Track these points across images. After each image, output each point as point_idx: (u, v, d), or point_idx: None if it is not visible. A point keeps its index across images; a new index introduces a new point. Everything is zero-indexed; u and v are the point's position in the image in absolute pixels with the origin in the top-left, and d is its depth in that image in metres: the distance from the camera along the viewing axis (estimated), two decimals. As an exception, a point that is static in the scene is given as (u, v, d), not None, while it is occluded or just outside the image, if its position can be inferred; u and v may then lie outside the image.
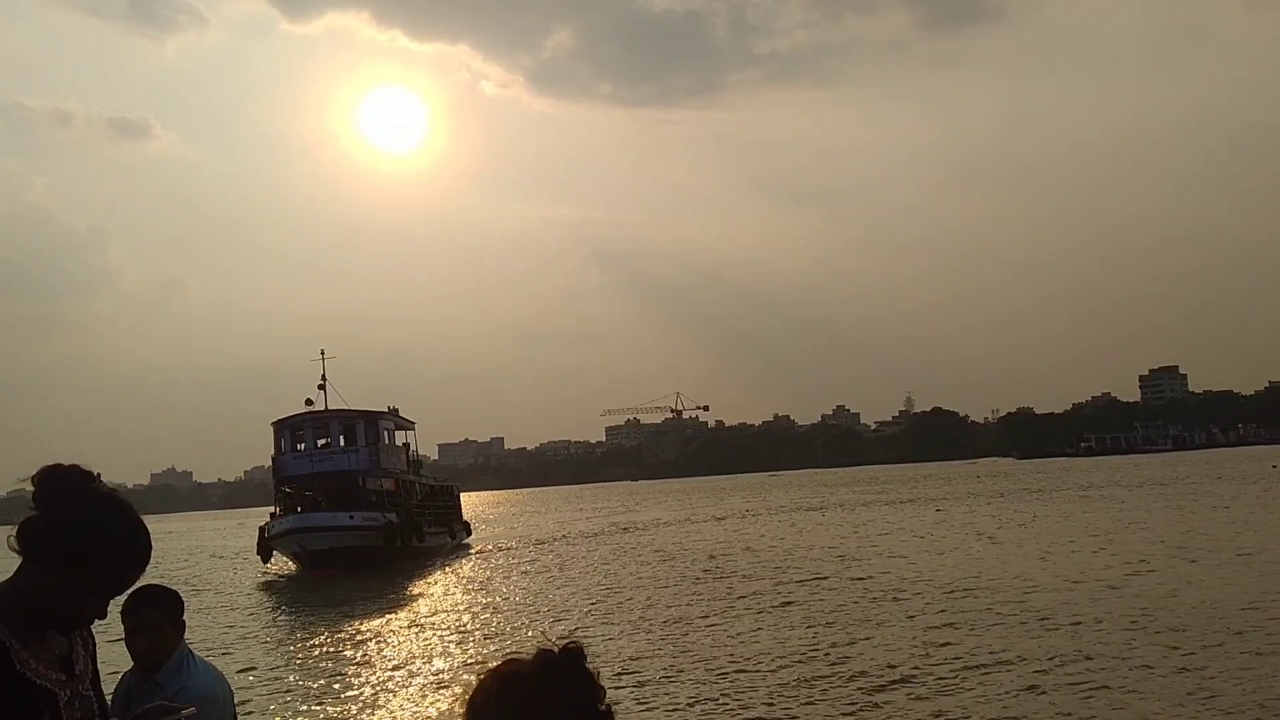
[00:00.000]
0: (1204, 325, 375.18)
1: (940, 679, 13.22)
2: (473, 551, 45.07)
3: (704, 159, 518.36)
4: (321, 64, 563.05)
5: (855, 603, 20.65)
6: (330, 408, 41.53)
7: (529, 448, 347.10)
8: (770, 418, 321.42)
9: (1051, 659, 13.79)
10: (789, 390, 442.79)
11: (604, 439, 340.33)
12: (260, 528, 40.46)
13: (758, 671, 14.62)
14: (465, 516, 54.78)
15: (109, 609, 2.47)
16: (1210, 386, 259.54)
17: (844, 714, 12.05)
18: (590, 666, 1.94)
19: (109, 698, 2.76)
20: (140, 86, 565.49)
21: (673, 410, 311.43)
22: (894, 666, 14.06)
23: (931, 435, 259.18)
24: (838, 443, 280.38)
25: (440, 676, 15.90)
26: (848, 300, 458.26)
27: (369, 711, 13.81)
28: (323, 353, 42.05)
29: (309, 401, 41.11)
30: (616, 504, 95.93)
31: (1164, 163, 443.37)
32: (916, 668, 13.96)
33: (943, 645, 15.42)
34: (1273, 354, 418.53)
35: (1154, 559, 24.20)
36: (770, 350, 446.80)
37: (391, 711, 13.76)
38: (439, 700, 14.13)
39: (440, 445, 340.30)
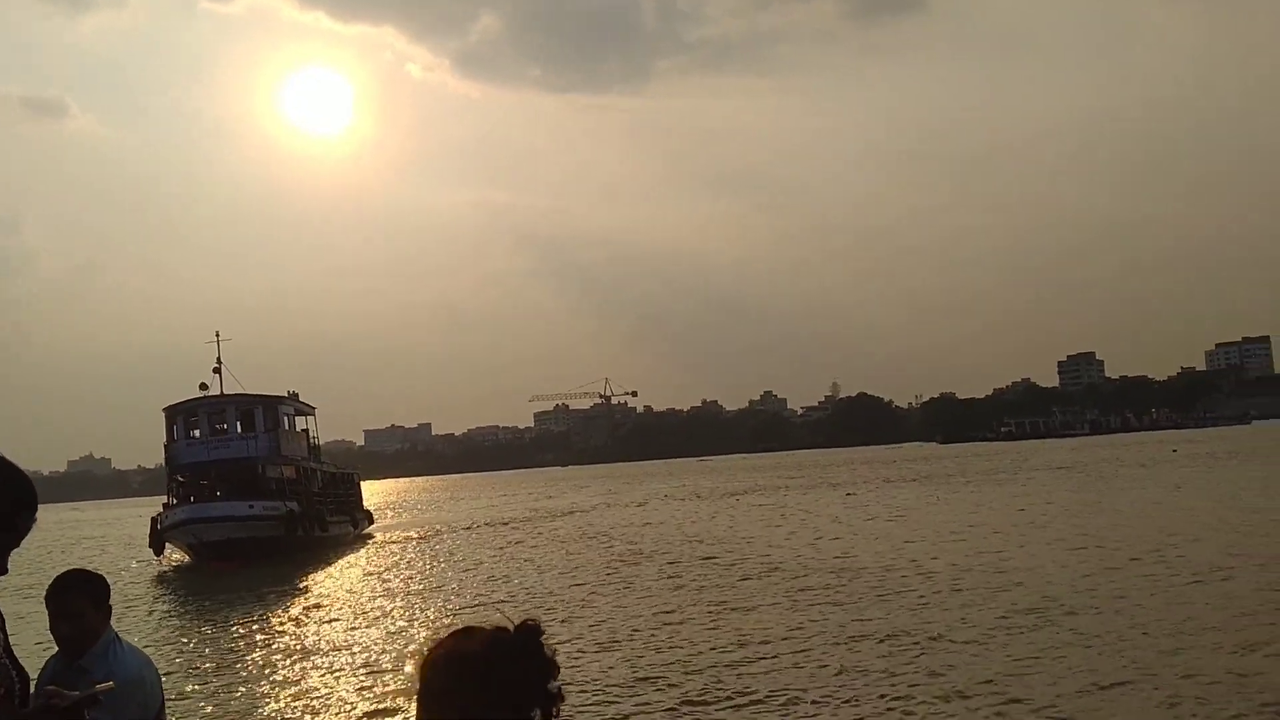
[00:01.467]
0: (1120, 313, 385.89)
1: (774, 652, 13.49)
2: (377, 540, 44.21)
3: (634, 146, 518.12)
4: (243, 44, 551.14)
5: (740, 581, 21.04)
6: (226, 392, 40.20)
7: (457, 433, 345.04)
8: (698, 403, 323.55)
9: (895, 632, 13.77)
10: (717, 376, 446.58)
11: (533, 425, 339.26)
12: (152, 519, 39.06)
13: (631, 644, 15.30)
14: (381, 503, 53.84)
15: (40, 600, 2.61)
16: (1126, 372, 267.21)
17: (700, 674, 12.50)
18: (545, 644, 1.91)
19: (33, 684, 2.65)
20: (56, 65, 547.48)
21: (601, 396, 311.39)
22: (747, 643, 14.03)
23: (857, 421, 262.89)
24: (765, 428, 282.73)
25: (355, 669, 15.48)
26: (775, 287, 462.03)
27: (286, 702, 13.52)
28: (217, 335, 40.57)
29: (203, 386, 39.69)
30: (541, 490, 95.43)
31: (1086, 156, 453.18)
32: (764, 641, 14.40)
33: (793, 622, 15.75)
34: (1185, 341, 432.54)
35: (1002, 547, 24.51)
36: (699, 337, 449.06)
37: (309, 702, 13.46)
38: (353, 690, 13.90)
39: (366, 431, 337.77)
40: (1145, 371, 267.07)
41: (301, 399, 44.69)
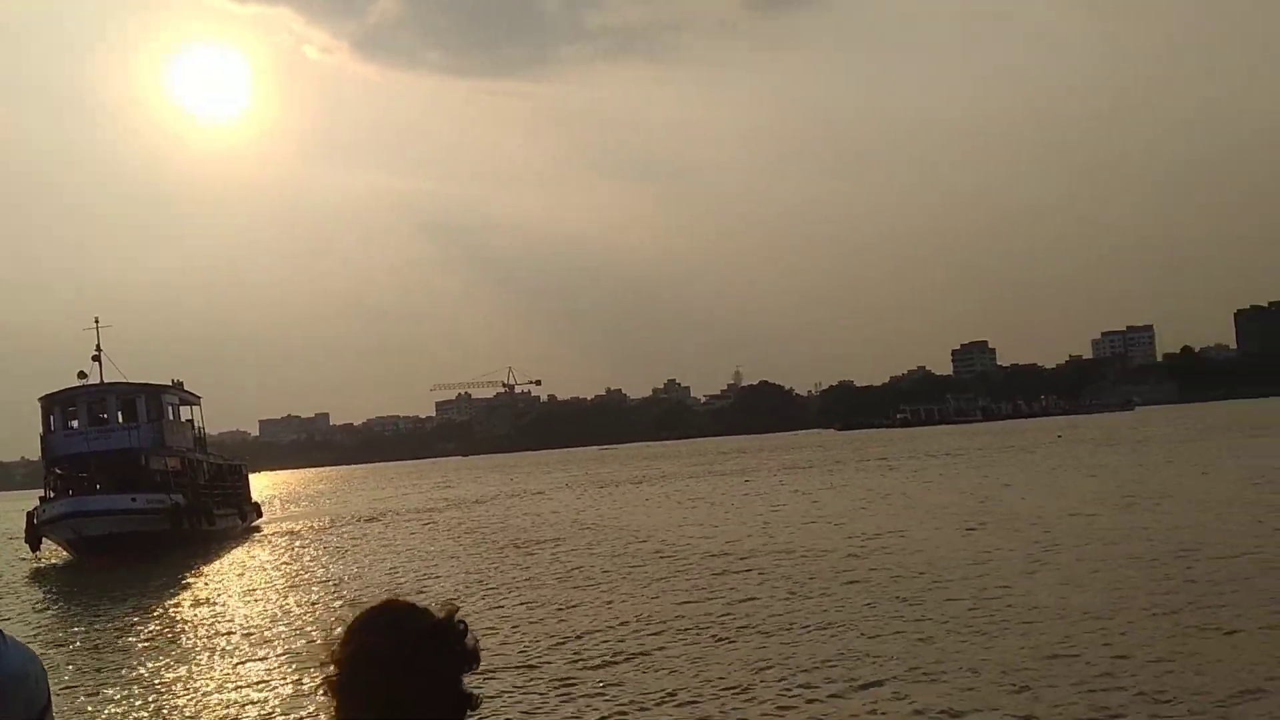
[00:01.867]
0: (1011, 302, 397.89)
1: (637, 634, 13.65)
2: (266, 534, 43.32)
3: (538, 132, 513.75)
4: (134, 22, 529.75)
5: (633, 567, 21.19)
6: (107, 381, 38.84)
7: (356, 423, 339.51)
8: (603, 392, 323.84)
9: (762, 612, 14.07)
10: (622, 365, 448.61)
11: (434, 414, 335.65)
12: (28, 513, 37.56)
13: (518, 629, 15.45)
14: (274, 496, 52.66)
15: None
16: (1017, 360, 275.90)
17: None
18: (467, 636, 1.84)
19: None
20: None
21: (505, 385, 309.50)
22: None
23: (759, 408, 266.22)
24: (669, 416, 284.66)
25: (243, 664, 15.15)
26: (679, 275, 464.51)
27: (173, 700, 13.20)
28: (96, 321, 39.06)
29: (82, 375, 38.28)
30: (441, 480, 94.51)
31: (981, 147, 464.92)
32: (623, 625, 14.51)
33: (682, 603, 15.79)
34: (1073, 330, 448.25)
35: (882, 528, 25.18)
36: (603, 325, 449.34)
37: (196, 699, 13.18)
38: (241, 686, 13.63)
39: (262, 421, 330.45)
40: (1035, 359, 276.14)
41: (188, 389, 43.46)
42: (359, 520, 47.04)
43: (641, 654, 13.33)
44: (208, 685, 13.92)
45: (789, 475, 54.58)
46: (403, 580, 23.73)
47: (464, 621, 1.85)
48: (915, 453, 70.47)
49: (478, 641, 1.85)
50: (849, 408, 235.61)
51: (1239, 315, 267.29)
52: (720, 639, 13.90)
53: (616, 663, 12.96)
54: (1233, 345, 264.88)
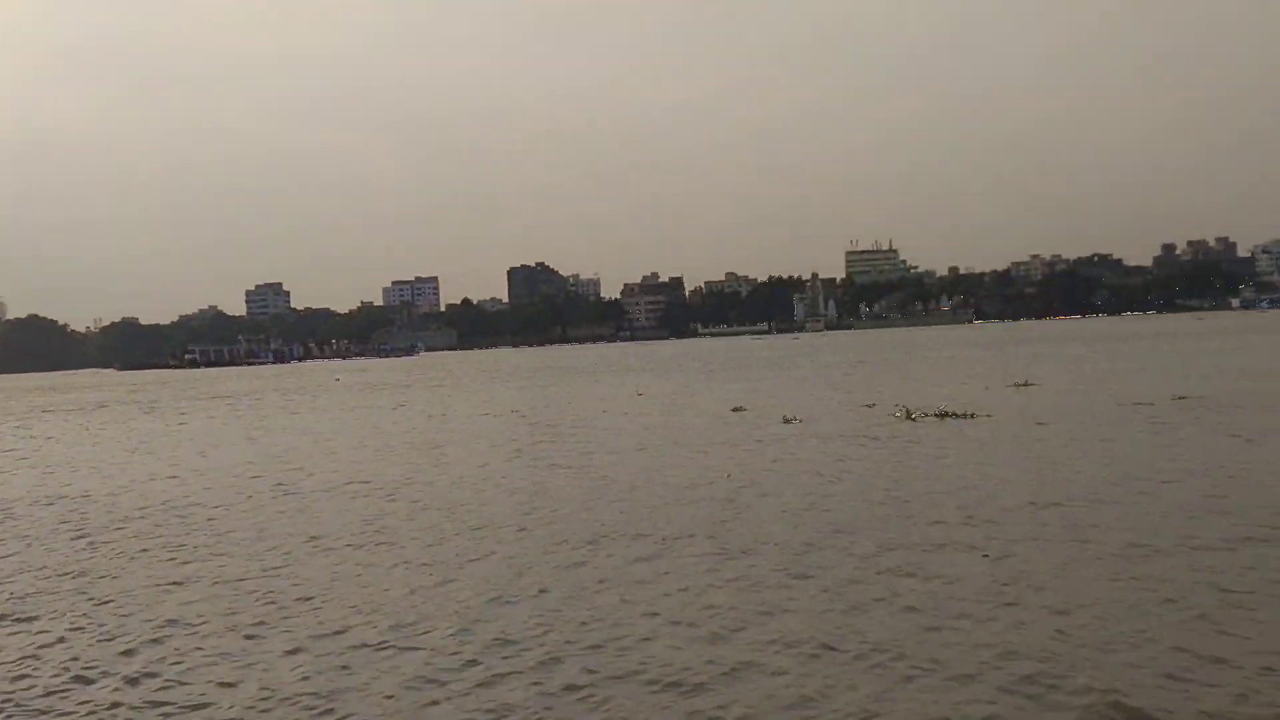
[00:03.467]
0: (307, 248, 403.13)
1: None
2: None
3: None
4: None
5: None
6: None
7: None
8: None
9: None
10: None
11: None
12: None
13: None
14: None
15: None
16: (311, 304, 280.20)
17: None
18: None
19: None
20: None
21: None
22: None
23: (26, 345, 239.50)
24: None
25: None
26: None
27: None
28: None
29: None
30: None
31: (280, 90, 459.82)
32: None
33: None
34: (366, 278, 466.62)
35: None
36: None
37: None
38: None
39: None
40: (330, 304, 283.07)
41: None
42: None
43: None
44: None
45: (40, 421, 49.68)
46: None
47: None
48: (187, 396, 68.34)
49: None
50: (134, 347, 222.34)
51: (510, 272, 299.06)
52: None
53: None
54: (505, 299, 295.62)
